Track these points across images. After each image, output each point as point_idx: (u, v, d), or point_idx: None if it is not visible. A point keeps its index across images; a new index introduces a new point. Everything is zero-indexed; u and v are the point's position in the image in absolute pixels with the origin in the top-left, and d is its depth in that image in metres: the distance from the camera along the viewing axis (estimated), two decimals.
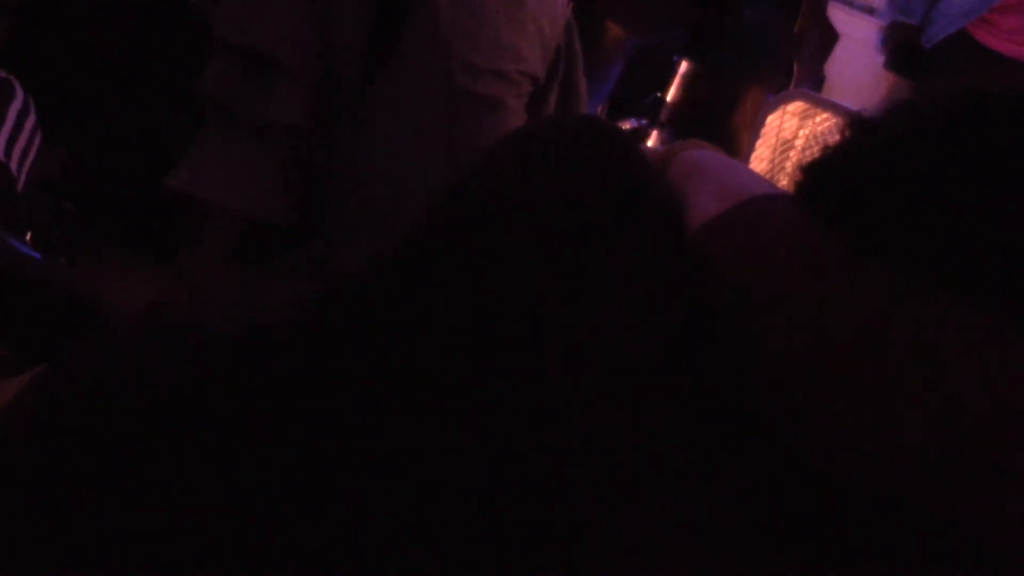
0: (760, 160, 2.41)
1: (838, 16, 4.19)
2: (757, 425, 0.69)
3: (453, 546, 0.69)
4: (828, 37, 4.18)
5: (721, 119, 3.57)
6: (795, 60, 4.04)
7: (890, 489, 0.66)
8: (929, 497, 0.65)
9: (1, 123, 1.80)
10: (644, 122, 3.79)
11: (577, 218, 0.74)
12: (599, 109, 3.74)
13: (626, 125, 3.71)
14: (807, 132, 2.33)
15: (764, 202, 0.77)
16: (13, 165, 1.82)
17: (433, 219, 0.79)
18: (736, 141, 3.42)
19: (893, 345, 0.64)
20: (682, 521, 0.68)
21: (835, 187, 0.71)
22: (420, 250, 0.77)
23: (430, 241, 0.77)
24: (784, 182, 2.21)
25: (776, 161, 2.37)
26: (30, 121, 1.87)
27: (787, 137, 2.37)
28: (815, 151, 0.76)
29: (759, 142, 2.43)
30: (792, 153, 2.35)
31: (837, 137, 0.75)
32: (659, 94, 3.77)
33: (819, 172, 0.74)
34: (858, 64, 4.14)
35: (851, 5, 4.40)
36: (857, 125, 0.75)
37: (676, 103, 3.71)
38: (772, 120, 2.41)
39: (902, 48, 3.82)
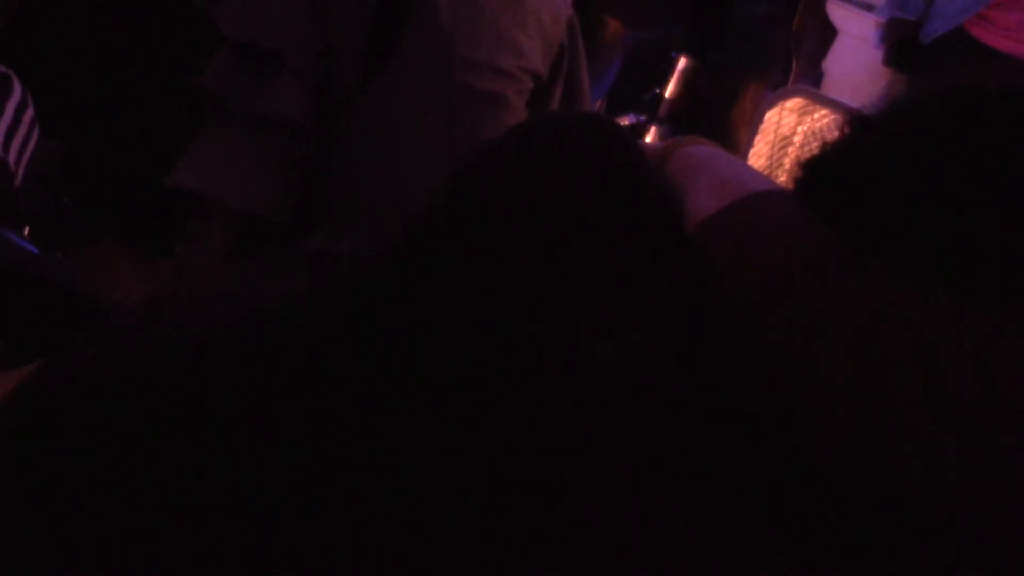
0: (758, 156, 2.42)
1: (836, 12, 4.19)
2: (757, 424, 0.69)
3: (453, 546, 0.69)
4: (826, 33, 4.18)
5: (719, 115, 3.57)
6: (793, 56, 4.04)
7: (890, 489, 0.66)
8: (929, 497, 0.65)
9: None
10: (642, 118, 3.79)
11: (577, 215, 0.74)
12: (598, 105, 3.74)
13: (624, 121, 3.71)
14: (805, 128, 2.33)
15: (763, 199, 0.77)
16: (11, 159, 1.82)
17: (432, 216, 0.79)
18: (734, 137, 3.42)
19: (893, 344, 0.64)
20: (682, 521, 0.68)
21: (834, 184, 0.71)
22: (419, 248, 0.77)
23: (429, 238, 0.77)
24: (782, 178, 2.22)
25: (774, 157, 2.37)
26: (28, 115, 1.87)
27: (785, 133, 2.38)
28: (814, 147, 0.75)
29: (757, 138, 2.44)
30: (790, 149, 2.35)
31: (836, 134, 0.75)
32: (657, 90, 3.77)
33: (818, 169, 0.74)
34: (856, 60, 4.13)
35: (849, 1, 4.40)
36: (856, 122, 0.75)
37: (674, 99, 3.71)
38: (770, 116, 2.41)
39: (900, 45, 3.82)
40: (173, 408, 0.77)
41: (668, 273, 0.74)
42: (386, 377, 0.73)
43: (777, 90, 2.82)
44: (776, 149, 2.39)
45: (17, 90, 1.84)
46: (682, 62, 3.71)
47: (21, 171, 1.85)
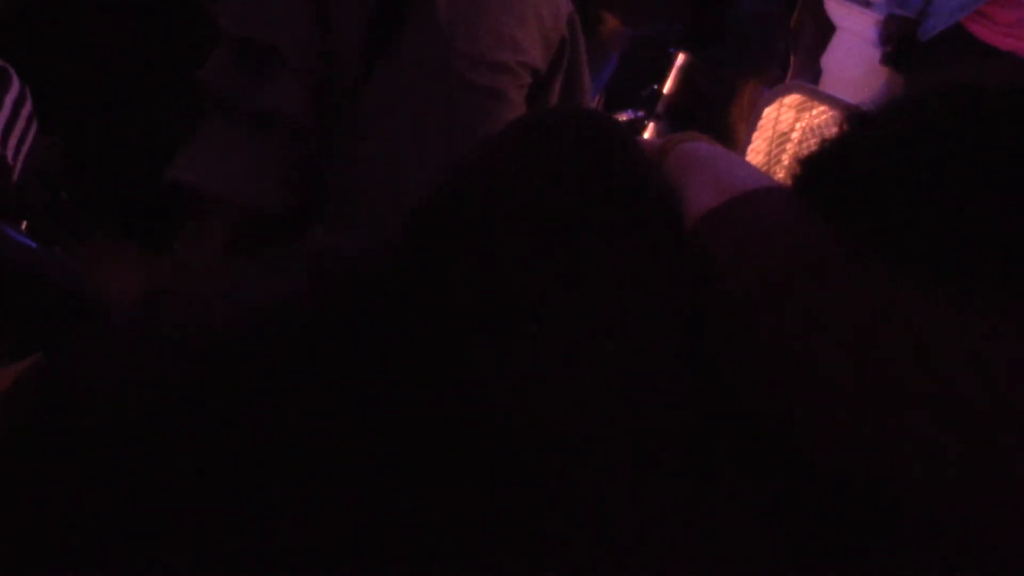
0: (756, 153, 2.42)
1: (834, 9, 4.19)
2: (757, 424, 0.69)
3: (453, 546, 0.69)
4: (824, 30, 4.18)
5: (717, 111, 3.57)
6: (791, 53, 4.05)
7: (890, 489, 0.66)
8: (929, 497, 0.65)
9: None
10: (640, 114, 3.79)
11: (576, 214, 0.74)
12: (596, 101, 3.73)
13: (622, 117, 3.71)
14: (803, 125, 2.33)
15: (761, 196, 0.77)
16: (9, 154, 1.82)
17: (432, 215, 0.78)
18: (732, 133, 3.42)
19: (892, 344, 0.64)
20: (682, 521, 0.68)
21: (833, 181, 0.71)
22: (419, 247, 0.77)
23: (429, 238, 0.77)
24: (780, 175, 2.22)
25: (772, 154, 2.37)
26: (26, 110, 1.87)
27: (783, 130, 2.38)
28: (812, 144, 0.75)
29: (755, 134, 2.44)
30: (788, 146, 2.36)
31: (834, 130, 0.75)
32: (655, 86, 3.77)
33: (817, 165, 0.74)
34: (854, 57, 4.13)
35: None
36: (855, 119, 0.75)
37: (672, 95, 3.71)
38: (768, 113, 2.42)
39: (898, 42, 3.82)
40: (173, 407, 0.77)
41: (668, 271, 0.74)
42: (386, 377, 0.73)
43: (775, 87, 2.82)
44: (774, 145, 2.39)
45: (15, 85, 1.84)
46: (680, 58, 3.71)
47: (19, 166, 1.85)
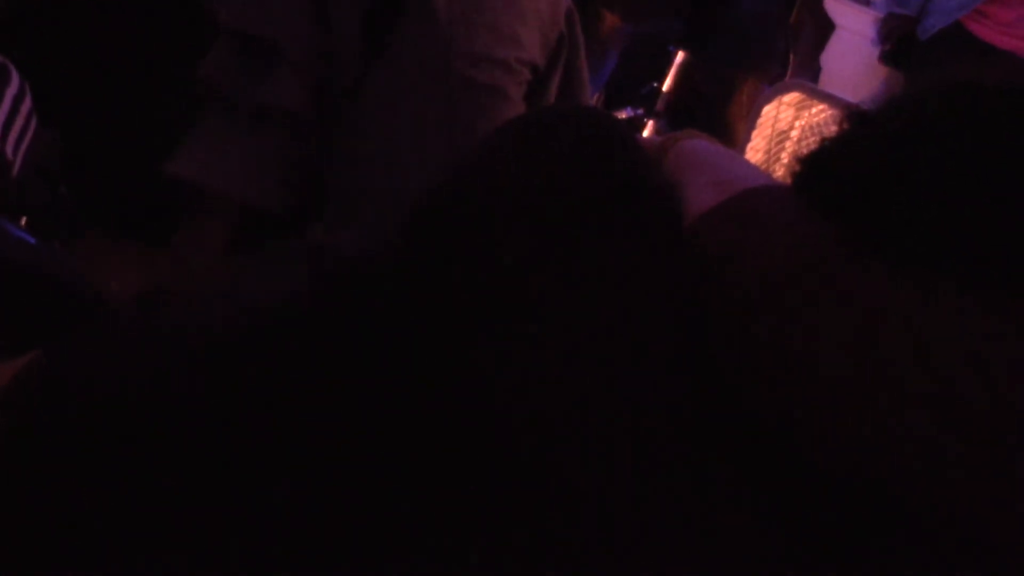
0: (756, 151, 2.42)
1: (833, 7, 4.20)
2: (757, 424, 0.69)
3: (453, 546, 0.69)
4: (823, 28, 4.18)
5: (717, 109, 3.57)
6: (791, 51, 4.04)
7: (890, 489, 0.66)
8: (929, 497, 0.65)
9: None
10: (640, 111, 3.79)
11: (576, 213, 0.74)
12: (595, 98, 3.73)
13: (622, 114, 3.71)
14: (803, 123, 2.33)
15: (760, 194, 0.77)
16: (8, 150, 1.82)
17: (431, 215, 0.78)
18: (732, 131, 3.42)
19: (892, 344, 0.64)
20: (682, 521, 0.68)
21: (832, 179, 0.71)
22: (418, 247, 0.77)
23: (428, 238, 0.77)
24: (780, 173, 2.22)
25: (772, 152, 2.37)
26: (26, 106, 1.87)
27: (783, 128, 2.38)
28: (811, 142, 0.75)
29: (755, 132, 2.44)
30: (788, 144, 2.36)
31: (834, 129, 0.75)
32: (655, 83, 3.77)
33: (816, 164, 0.74)
34: (853, 55, 4.14)
35: None
36: (854, 118, 0.75)
37: (672, 93, 3.71)
38: (768, 111, 2.42)
39: (898, 40, 3.82)
40: (172, 405, 0.77)
41: (667, 270, 0.74)
42: (386, 377, 0.73)
43: (775, 85, 2.82)
44: (773, 144, 2.39)
45: (15, 80, 1.84)
46: (680, 56, 3.71)
47: (18, 161, 1.85)
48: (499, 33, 1.94)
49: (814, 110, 2.38)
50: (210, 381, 0.77)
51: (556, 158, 0.76)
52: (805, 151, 0.76)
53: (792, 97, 2.42)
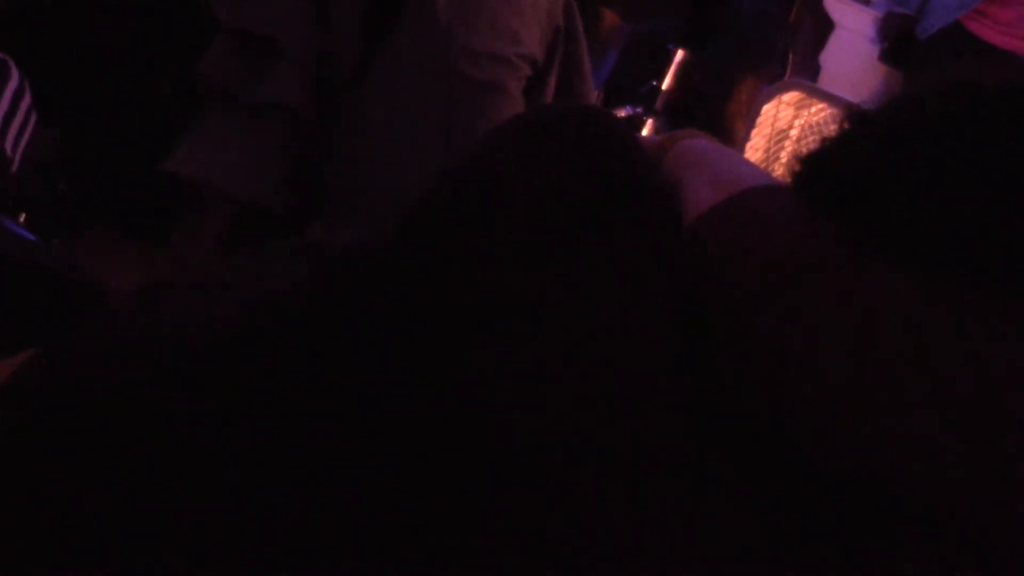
0: (755, 150, 2.42)
1: (833, 6, 4.19)
2: (756, 421, 0.69)
3: (453, 546, 0.69)
4: (823, 27, 4.18)
5: (716, 108, 3.57)
6: (790, 50, 4.04)
7: (890, 488, 0.66)
8: (929, 497, 0.65)
9: None
10: (639, 110, 3.79)
11: (576, 213, 0.74)
12: (594, 97, 3.73)
13: (621, 113, 3.71)
14: (802, 122, 2.33)
15: (760, 193, 0.77)
16: (8, 146, 1.82)
17: (431, 214, 0.78)
18: (731, 130, 3.42)
19: (892, 344, 0.64)
20: (682, 521, 0.68)
21: (832, 179, 0.71)
22: (418, 247, 0.77)
23: (428, 238, 0.77)
24: (779, 172, 2.22)
25: (771, 151, 2.37)
26: (25, 103, 1.87)
27: (782, 127, 2.38)
28: (810, 141, 0.76)
29: (754, 131, 2.44)
30: (787, 143, 2.35)
31: (833, 128, 0.75)
32: (654, 82, 3.77)
33: (816, 163, 0.75)
34: (853, 54, 4.13)
35: None
36: (854, 117, 0.75)
37: (671, 91, 3.71)
38: (767, 110, 2.42)
39: (897, 39, 3.82)
40: (172, 404, 0.77)
41: (667, 270, 0.74)
42: (386, 377, 0.73)
43: (774, 84, 2.82)
44: (773, 143, 2.39)
45: (15, 77, 1.84)
46: (679, 55, 3.71)
47: (18, 158, 1.85)
48: (498, 29, 1.94)
49: (813, 109, 2.38)
50: (210, 379, 0.77)
51: (556, 157, 0.76)
52: (805, 150, 0.76)
53: (791, 96, 2.42)
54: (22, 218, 1.98)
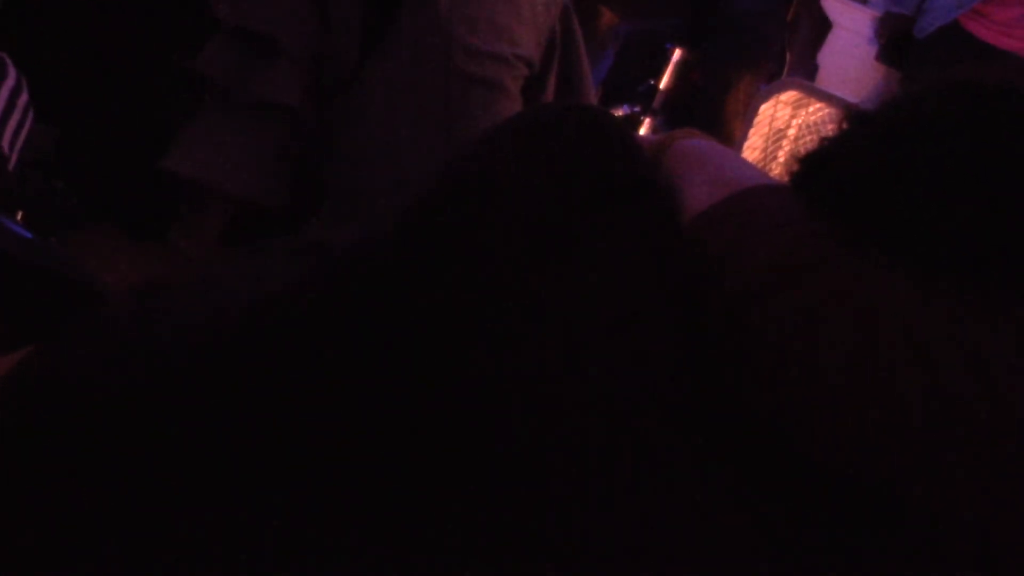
0: (753, 149, 2.42)
1: (831, 5, 4.20)
2: (755, 420, 0.69)
3: (453, 546, 0.69)
4: (820, 26, 4.18)
5: (714, 107, 3.57)
6: (788, 49, 4.04)
7: (890, 487, 0.66)
8: (928, 496, 0.65)
9: None
10: (637, 109, 3.79)
11: (575, 213, 0.74)
12: (593, 97, 3.73)
13: (619, 112, 3.71)
14: (800, 122, 2.33)
15: (759, 193, 0.77)
16: (5, 144, 1.81)
17: (430, 213, 0.78)
18: (729, 129, 3.42)
19: (891, 344, 0.64)
20: (682, 521, 0.68)
21: (832, 178, 0.71)
22: (418, 247, 0.77)
23: (427, 238, 0.77)
24: (777, 171, 2.22)
25: (768, 150, 2.37)
26: (22, 100, 1.86)
27: (780, 126, 2.37)
28: (808, 141, 0.76)
29: (752, 131, 2.43)
30: (785, 142, 2.35)
31: (831, 127, 0.76)
32: (652, 81, 3.77)
33: (815, 163, 0.75)
34: (850, 54, 4.14)
35: None
36: (853, 117, 0.75)
37: (669, 90, 3.71)
38: (765, 109, 2.41)
39: (895, 39, 3.83)
40: (170, 402, 0.77)
41: (666, 269, 0.74)
42: (386, 377, 0.73)
43: (772, 83, 2.82)
44: (770, 142, 2.39)
45: (11, 74, 1.84)
46: (677, 54, 3.71)
47: (15, 156, 1.84)
48: (497, 29, 1.94)
49: (811, 108, 2.38)
50: (210, 379, 0.77)
51: (555, 157, 0.76)
52: (802, 150, 0.76)
53: (789, 95, 2.42)
54: (19, 215, 1.98)
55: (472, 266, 0.73)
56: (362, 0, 1.87)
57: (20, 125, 1.86)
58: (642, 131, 3.61)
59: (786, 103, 2.39)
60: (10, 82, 1.82)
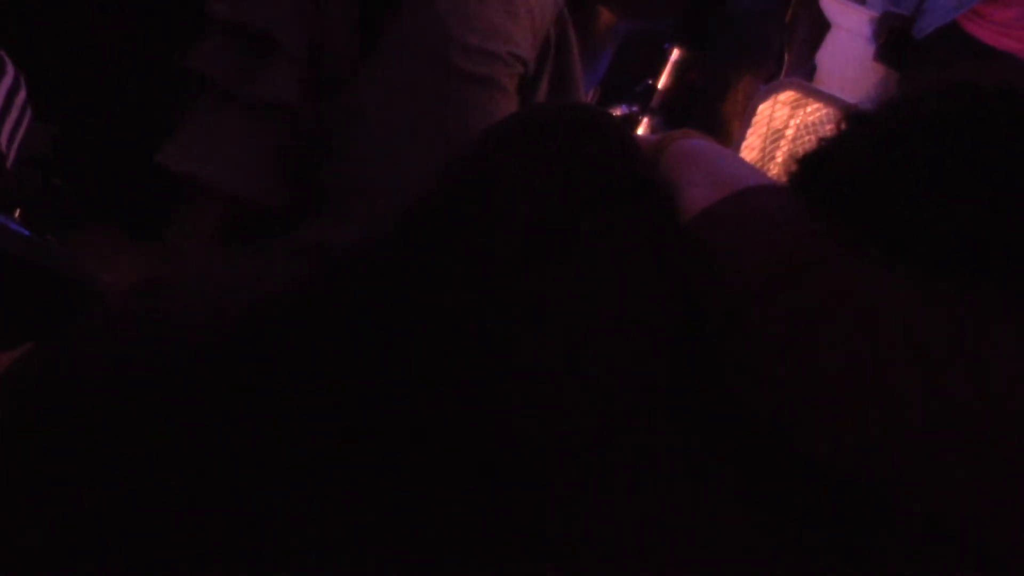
0: (751, 149, 2.42)
1: (829, 5, 4.20)
2: (755, 420, 0.69)
3: (453, 546, 0.69)
4: (819, 26, 4.18)
5: (712, 107, 3.57)
6: (786, 49, 4.04)
7: (889, 487, 0.66)
8: (928, 496, 0.65)
9: None
10: (635, 108, 3.79)
11: (575, 213, 0.74)
12: (590, 95, 3.73)
13: (616, 111, 3.71)
14: (798, 122, 2.33)
15: (757, 193, 0.77)
16: (3, 142, 1.81)
17: (429, 213, 0.78)
18: (727, 129, 3.42)
19: (890, 344, 0.64)
20: (682, 521, 0.68)
21: (831, 179, 0.72)
22: (417, 247, 0.77)
23: (427, 238, 0.77)
24: (774, 171, 2.22)
25: (767, 150, 2.37)
26: (20, 97, 1.86)
27: (778, 126, 2.37)
28: (806, 141, 0.76)
29: (750, 131, 2.43)
30: (783, 142, 2.35)
31: (829, 127, 0.76)
32: (650, 81, 3.77)
33: (814, 164, 0.75)
34: (849, 54, 4.14)
35: None
36: (852, 117, 0.75)
37: (667, 90, 3.71)
38: (763, 109, 2.41)
39: (893, 39, 3.83)
40: (170, 400, 0.77)
41: (665, 269, 0.74)
42: (387, 377, 0.73)
43: (770, 83, 2.82)
44: (768, 142, 2.39)
45: (10, 72, 1.84)
46: (675, 53, 3.71)
47: (13, 154, 1.84)
48: (493, 26, 1.94)
49: (809, 109, 2.38)
50: (210, 379, 0.77)
51: (554, 157, 0.76)
52: (800, 150, 0.76)
53: (787, 95, 2.42)
54: (17, 213, 1.98)
55: (472, 266, 0.73)
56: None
57: (18, 123, 1.86)
58: (640, 131, 3.61)
59: (784, 103, 2.39)
60: (8, 80, 1.82)
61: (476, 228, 0.74)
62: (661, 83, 3.72)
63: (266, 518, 0.71)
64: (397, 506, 0.70)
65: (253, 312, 0.79)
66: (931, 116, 0.69)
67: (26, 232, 1.74)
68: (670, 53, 3.73)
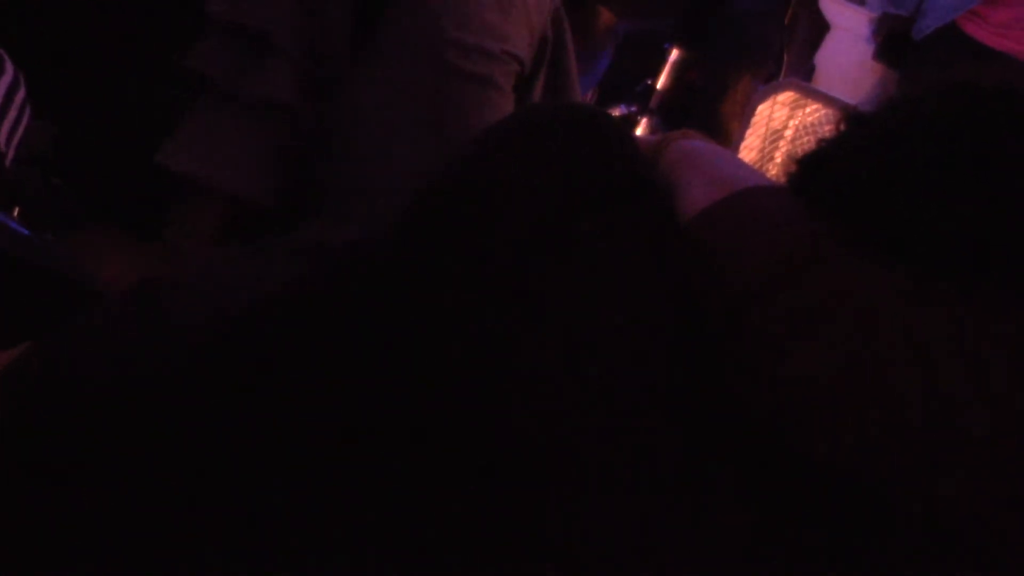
0: (750, 150, 2.42)
1: (828, 6, 4.20)
2: (755, 420, 0.69)
3: (453, 546, 0.69)
4: (819, 27, 4.18)
5: (711, 107, 3.57)
6: (785, 50, 4.05)
7: (889, 487, 0.66)
8: (927, 496, 0.66)
9: None
10: (634, 109, 3.79)
11: (572, 209, 0.74)
12: (589, 95, 3.73)
13: (616, 111, 3.71)
14: (797, 122, 2.33)
15: (757, 193, 0.77)
16: (2, 140, 1.81)
17: (429, 213, 0.78)
18: (726, 130, 3.42)
19: (889, 344, 0.64)
20: (682, 521, 0.68)
21: (831, 179, 0.72)
22: (417, 247, 0.77)
23: (427, 238, 0.77)
24: (773, 172, 2.22)
25: (765, 151, 2.37)
26: (19, 96, 1.86)
27: (777, 127, 2.37)
28: (805, 141, 0.76)
29: (749, 131, 2.44)
30: (782, 143, 2.35)
31: (828, 128, 0.76)
32: (649, 81, 3.77)
33: (814, 164, 0.75)
34: (848, 54, 4.14)
35: None
36: (851, 118, 0.75)
37: (666, 90, 3.71)
38: (762, 110, 2.41)
39: (892, 40, 3.83)
40: (169, 400, 0.77)
41: (664, 269, 0.74)
42: (387, 377, 0.73)
43: (769, 83, 2.83)
44: (767, 143, 2.39)
45: (9, 70, 1.84)
46: (674, 54, 3.71)
47: (12, 152, 1.84)
48: (488, 25, 1.94)
49: (808, 109, 2.38)
50: (210, 378, 0.77)
51: (553, 156, 0.76)
52: (799, 151, 0.76)
53: (786, 96, 2.42)
54: (16, 212, 1.98)
55: (472, 266, 0.73)
56: None
57: (17, 122, 1.86)
58: (639, 131, 3.61)
59: (783, 104, 2.39)
60: (7, 78, 1.82)
61: (476, 228, 0.74)
62: (660, 83, 3.72)
63: (266, 518, 0.71)
64: (397, 506, 0.70)
65: (253, 312, 0.79)
66: (930, 116, 0.69)
67: (25, 231, 1.74)
68: (669, 53, 3.73)
